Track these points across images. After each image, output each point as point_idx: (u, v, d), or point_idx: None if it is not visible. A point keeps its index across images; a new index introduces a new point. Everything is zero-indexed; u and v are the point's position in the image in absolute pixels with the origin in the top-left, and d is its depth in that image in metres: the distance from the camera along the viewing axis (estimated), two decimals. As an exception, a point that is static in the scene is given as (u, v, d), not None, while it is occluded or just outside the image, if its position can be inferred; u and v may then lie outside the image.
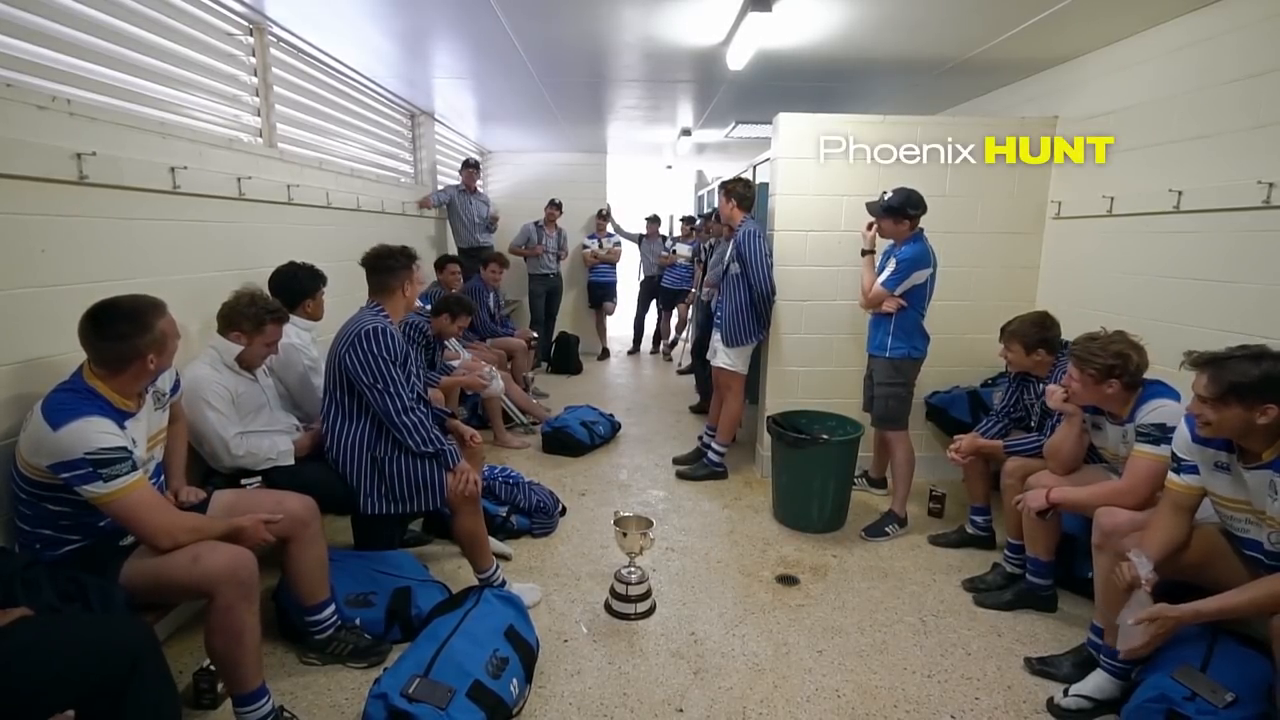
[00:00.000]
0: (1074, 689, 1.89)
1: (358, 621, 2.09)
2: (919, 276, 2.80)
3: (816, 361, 3.54)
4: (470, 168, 5.48)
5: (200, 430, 2.07)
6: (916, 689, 1.99)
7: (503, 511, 2.89)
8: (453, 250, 5.54)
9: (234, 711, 1.68)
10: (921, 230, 2.84)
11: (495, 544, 2.58)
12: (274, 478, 2.14)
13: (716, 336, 3.53)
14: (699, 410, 4.89)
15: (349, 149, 4.04)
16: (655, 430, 4.54)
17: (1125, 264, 2.92)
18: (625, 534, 2.35)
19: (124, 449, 1.52)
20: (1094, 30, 2.89)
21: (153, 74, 2.36)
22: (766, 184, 3.68)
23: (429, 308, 3.68)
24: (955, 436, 2.75)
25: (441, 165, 5.66)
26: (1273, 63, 2.25)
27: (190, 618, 2.18)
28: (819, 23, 2.94)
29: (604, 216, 6.95)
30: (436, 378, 3.46)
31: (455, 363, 3.95)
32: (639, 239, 7.14)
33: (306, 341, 2.60)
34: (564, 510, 3.15)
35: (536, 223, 6.21)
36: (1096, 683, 1.87)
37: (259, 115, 3.03)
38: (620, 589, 2.36)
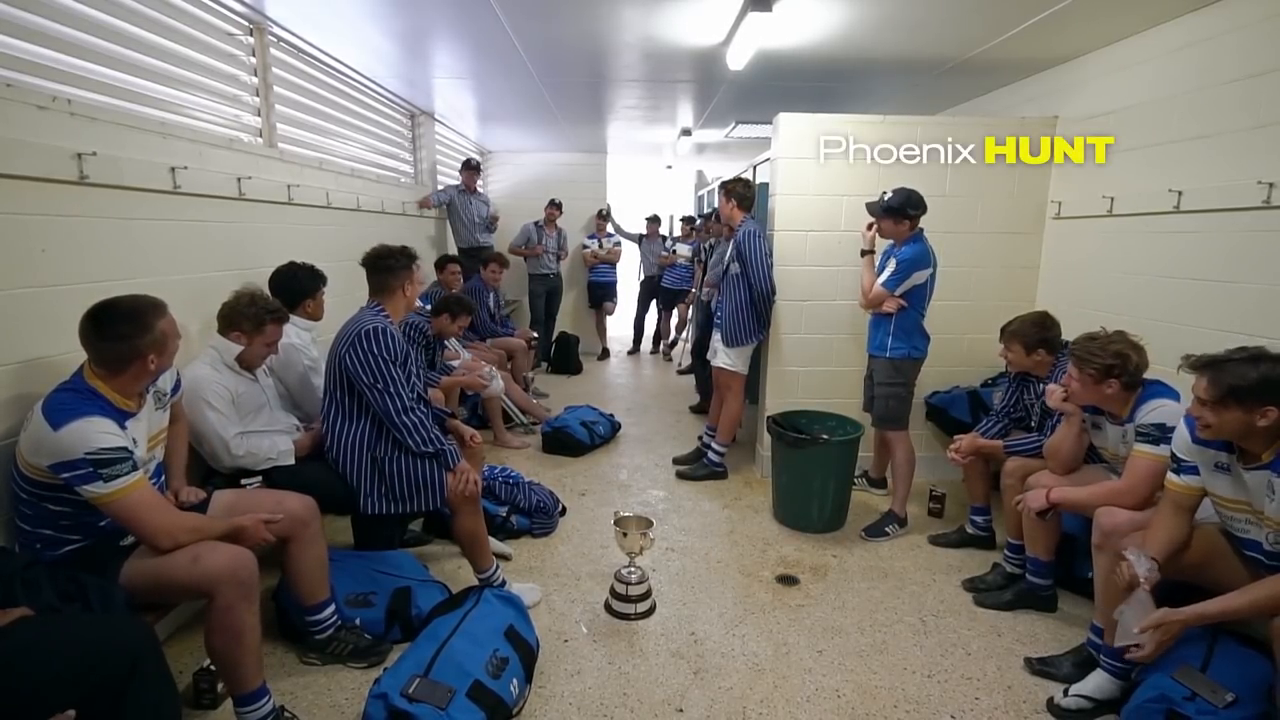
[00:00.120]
0: (1074, 689, 1.89)
1: (358, 621, 2.09)
2: (919, 277, 2.80)
3: (816, 361, 3.54)
4: (470, 169, 5.48)
5: (200, 430, 2.07)
6: (916, 689, 1.99)
7: (503, 511, 2.89)
8: (453, 250, 5.54)
9: (234, 711, 1.68)
10: (921, 230, 2.84)
11: (495, 544, 2.58)
12: (274, 478, 2.15)
13: (716, 336, 3.53)
14: (699, 410, 4.89)
15: (349, 149, 4.04)
16: (655, 430, 4.54)
17: (1125, 264, 2.92)
18: (625, 534, 2.36)
19: (124, 449, 1.52)
20: (1094, 30, 2.89)
21: (153, 74, 2.36)
22: (766, 184, 3.68)
23: (429, 308, 3.68)
24: (955, 436, 2.75)
25: (441, 165, 5.66)
26: (1273, 63, 2.26)
27: (190, 618, 2.18)
28: (819, 23, 2.94)
29: (604, 216, 6.95)
30: (436, 378, 3.46)
31: (455, 363, 3.95)
32: (639, 239, 7.14)
33: (306, 341, 2.60)
34: (564, 510, 3.15)
35: (536, 223, 6.21)
36: (1096, 683, 1.87)
37: (259, 115, 3.04)
38: (620, 589, 2.36)
